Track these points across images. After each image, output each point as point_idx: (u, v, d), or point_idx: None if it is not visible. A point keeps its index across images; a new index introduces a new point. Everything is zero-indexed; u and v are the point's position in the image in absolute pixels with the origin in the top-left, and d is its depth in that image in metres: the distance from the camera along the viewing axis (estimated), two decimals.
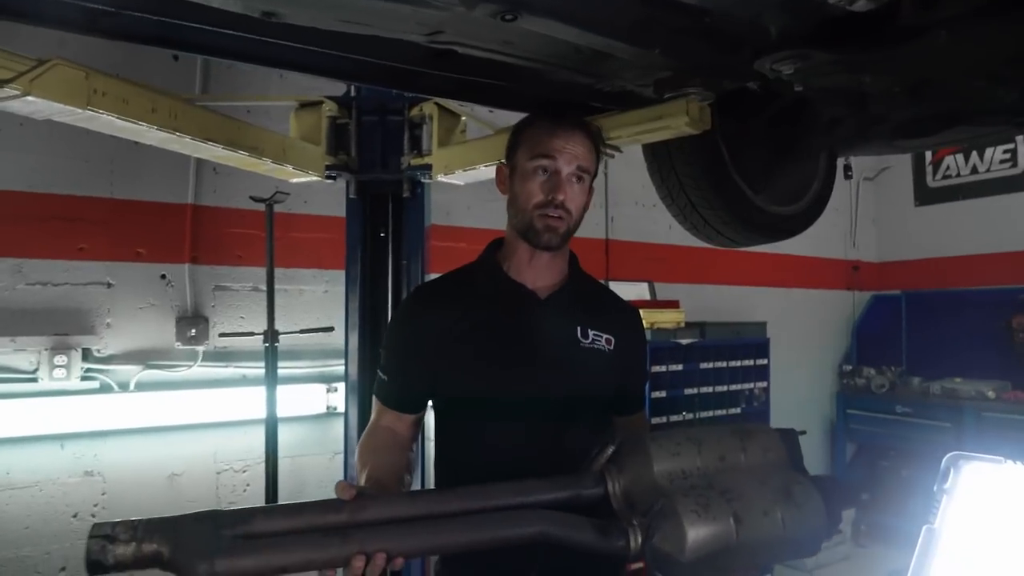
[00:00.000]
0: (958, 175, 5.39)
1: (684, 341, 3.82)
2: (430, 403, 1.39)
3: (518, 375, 1.28)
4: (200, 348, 2.74)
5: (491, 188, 3.48)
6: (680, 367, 3.79)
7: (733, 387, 4.05)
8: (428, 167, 2.20)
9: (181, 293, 2.75)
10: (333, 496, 0.99)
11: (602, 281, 4.03)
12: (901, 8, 1.39)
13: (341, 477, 3.00)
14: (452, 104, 2.20)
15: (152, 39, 1.39)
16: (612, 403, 1.40)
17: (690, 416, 3.82)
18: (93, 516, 2.50)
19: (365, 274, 2.34)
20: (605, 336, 1.35)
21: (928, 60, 1.57)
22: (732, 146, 2.07)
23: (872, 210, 5.84)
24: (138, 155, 2.64)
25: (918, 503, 4.62)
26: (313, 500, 0.99)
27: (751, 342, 4.19)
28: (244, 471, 2.82)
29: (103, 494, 2.55)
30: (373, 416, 1.37)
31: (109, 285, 2.62)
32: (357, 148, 2.28)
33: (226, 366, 2.81)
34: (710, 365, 3.94)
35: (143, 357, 2.65)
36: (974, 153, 5.28)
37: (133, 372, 2.61)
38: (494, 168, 2.05)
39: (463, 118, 2.25)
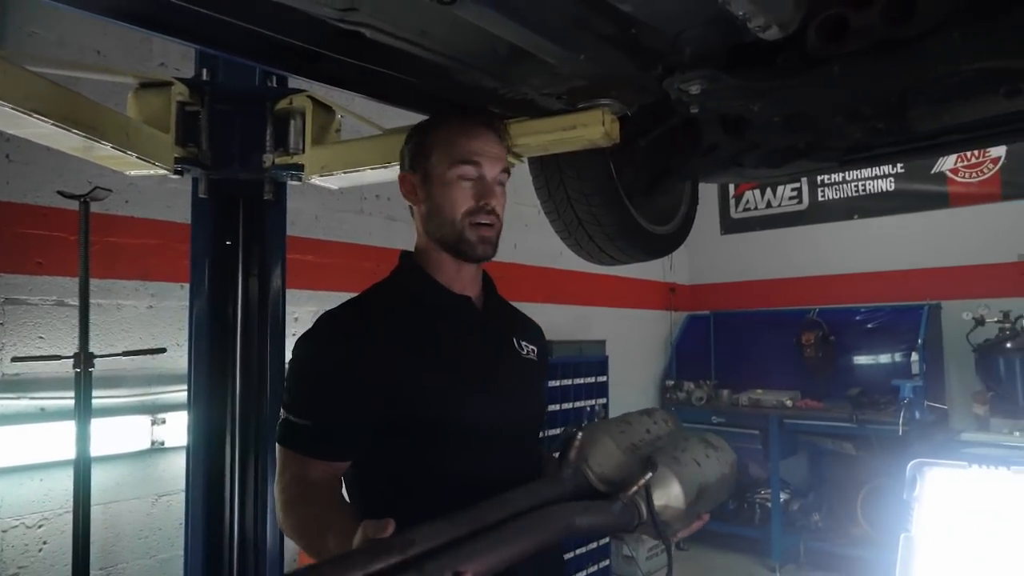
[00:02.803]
0: (756, 208, 6.06)
1: None
2: None
3: (479, 390, 1.19)
4: None
5: (341, 197, 3.27)
6: None
7: (577, 404, 4.15)
8: (299, 167, 1.96)
9: None
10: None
11: None
12: (807, 40, 1.48)
13: (165, 523, 2.57)
14: (328, 98, 1.98)
15: None
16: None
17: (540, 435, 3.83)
18: None
19: (215, 286, 2.02)
20: (531, 347, 1.33)
21: (814, 92, 1.68)
22: (619, 164, 2.09)
23: None
24: None
25: (729, 506, 5.04)
26: (349, 551, 0.84)
27: (592, 360, 4.33)
28: (40, 526, 2.30)
29: None
30: (288, 475, 1.10)
31: None
32: (209, 140, 1.97)
33: (18, 398, 2.28)
34: (556, 383, 3.99)
35: None
36: (768, 189, 5.98)
37: None
38: (379, 171, 1.90)
39: (339, 115, 2.04)
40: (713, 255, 6.23)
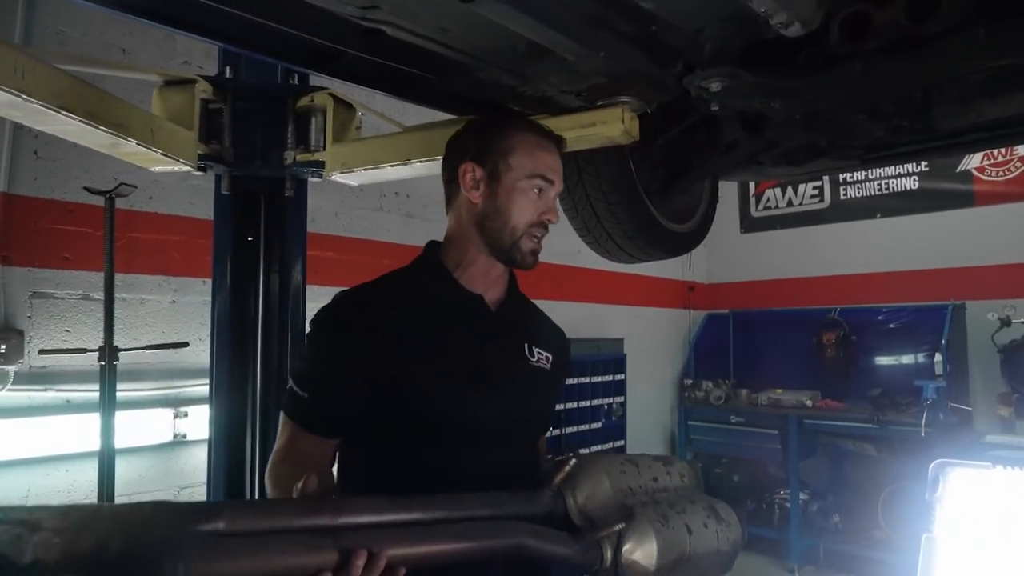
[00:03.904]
0: (776, 207, 6.01)
1: None
2: None
3: (477, 391, 1.19)
4: (11, 368, 2.25)
5: (360, 195, 3.29)
6: None
7: (594, 402, 4.15)
8: (319, 164, 1.98)
9: None
10: None
11: None
12: (829, 36, 1.47)
13: None
14: (349, 96, 2.00)
15: None
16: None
17: (556, 432, 3.84)
18: None
19: (236, 282, 2.05)
20: (545, 354, 1.32)
21: (835, 90, 1.67)
22: (638, 161, 2.08)
23: None
24: None
25: (748, 506, 5.01)
26: (279, 500, 0.88)
27: (610, 357, 4.33)
28: None
29: None
30: (283, 439, 1.17)
31: None
32: (232, 138, 1.99)
33: (45, 390, 2.33)
34: (574, 381, 3.99)
35: None
36: (790, 188, 5.93)
37: None
38: (399, 169, 1.91)
39: (359, 113, 2.05)
40: (733, 254, 6.18)
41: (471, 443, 1.17)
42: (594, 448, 4.10)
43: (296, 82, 2.05)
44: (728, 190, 6.05)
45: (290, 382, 1.19)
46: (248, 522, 0.78)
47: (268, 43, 1.43)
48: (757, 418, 5.00)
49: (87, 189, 2.20)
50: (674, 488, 1.13)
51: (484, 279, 1.27)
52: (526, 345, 1.29)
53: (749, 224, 6.15)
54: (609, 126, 1.57)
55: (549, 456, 1.35)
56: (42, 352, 2.28)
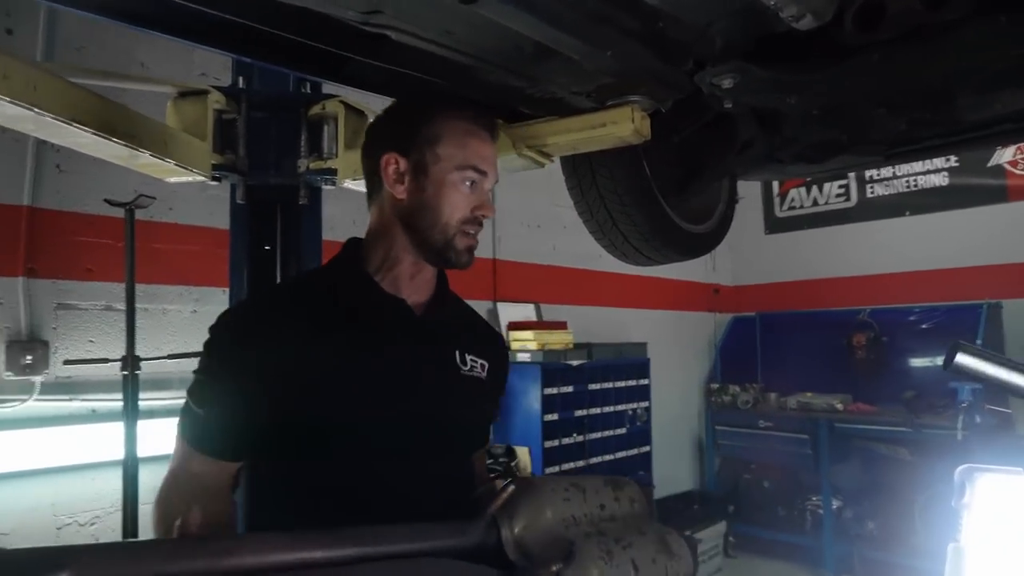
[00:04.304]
0: (801, 207, 5.91)
1: (574, 362, 3.80)
2: None
3: (398, 404, 1.08)
4: (37, 378, 2.30)
5: None
6: (571, 389, 3.77)
7: (618, 407, 4.10)
8: (332, 172, 1.98)
9: (13, 312, 2.29)
10: None
11: (490, 304, 3.99)
12: (843, 27, 1.43)
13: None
14: (361, 103, 2.00)
15: None
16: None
17: (580, 438, 3.80)
18: None
19: (254, 291, 2.06)
20: (480, 362, 1.21)
21: (852, 83, 1.62)
22: (652, 162, 2.05)
23: (727, 237, 6.24)
24: None
25: (779, 513, 4.91)
26: (147, 541, 0.78)
27: (634, 362, 4.28)
28: (92, 524, 2.38)
29: None
30: (175, 462, 1.05)
31: None
32: (246, 147, 2.01)
33: (70, 399, 2.37)
34: (597, 386, 3.95)
35: None
36: (815, 187, 5.82)
37: None
38: None
39: (371, 119, 2.05)
40: (758, 255, 6.08)
41: (393, 462, 1.06)
42: (619, 454, 4.05)
43: (308, 90, 2.06)
44: (751, 190, 5.96)
45: (186, 397, 1.06)
46: (103, 570, 0.68)
47: (273, 51, 1.44)
48: (786, 422, 4.90)
49: (108, 201, 2.24)
50: (623, 516, 1.02)
51: (409, 282, 1.15)
52: (457, 353, 1.18)
53: (774, 225, 6.06)
54: (619, 126, 1.55)
55: (493, 476, 1.25)
56: (66, 362, 2.32)
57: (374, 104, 1.97)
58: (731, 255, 6.18)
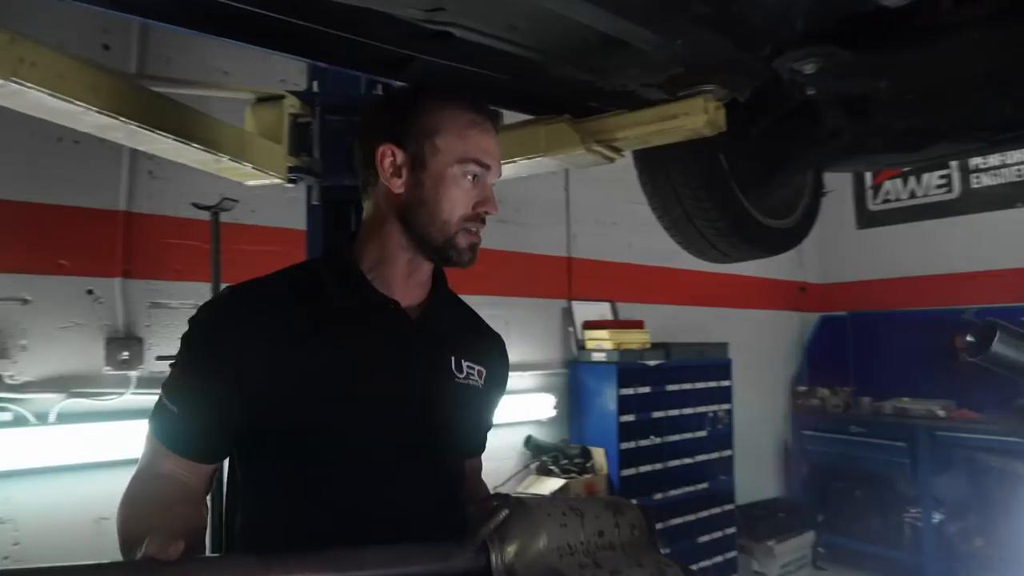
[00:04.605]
0: (897, 199, 5.55)
1: (651, 362, 3.71)
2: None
3: (383, 413, 1.02)
4: (133, 373, 2.43)
5: None
6: (648, 389, 3.68)
7: (698, 409, 3.98)
8: None
9: (111, 311, 2.43)
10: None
11: (565, 302, 3.96)
12: (939, 3, 1.32)
13: None
14: None
15: None
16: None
17: (658, 440, 3.71)
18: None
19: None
20: (478, 368, 1.14)
21: (950, 63, 1.50)
22: (728, 155, 1.97)
23: (815, 232, 5.94)
24: (61, 154, 2.36)
25: (872, 524, 4.64)
26: (116, 561, 0.72)
27: (714, 363, 4.14)
28: None
29: (15, 544, 2.20)
30: (144, 461, 0.99)
31: (25, 301, 2.29)
32: (321, 150, 2.06)
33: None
34: (676, 387, 3.85)
35: (66, 384, 2.32)
36: (911, 177, 5.46)
37: (54, 401, 2.28)
38: None
39: None
40: (849, 251, 5.76)
41: (378, 469, 1.00)
42: (699, 458, 3.92)
43: (380, 91, 2.09)
44: (841, 182, 5.65)
45: (160, 392, 1.01)
46: None
47: (339, 53, 1.46)
48: (881, 429, 4.62)
49: (195, 205, 2.34)
50: (621, 544, 0.95)
51: (404, 282, 1.08)
52: (452, 359, 1.11)
53: (867, 219, 5.72)
54: (691, 118, 1.48)
55: (495, 492, 1.12)
56: (159, 359, 2.45)
57: None
58: (819, 251, 5.89)
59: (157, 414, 1.00)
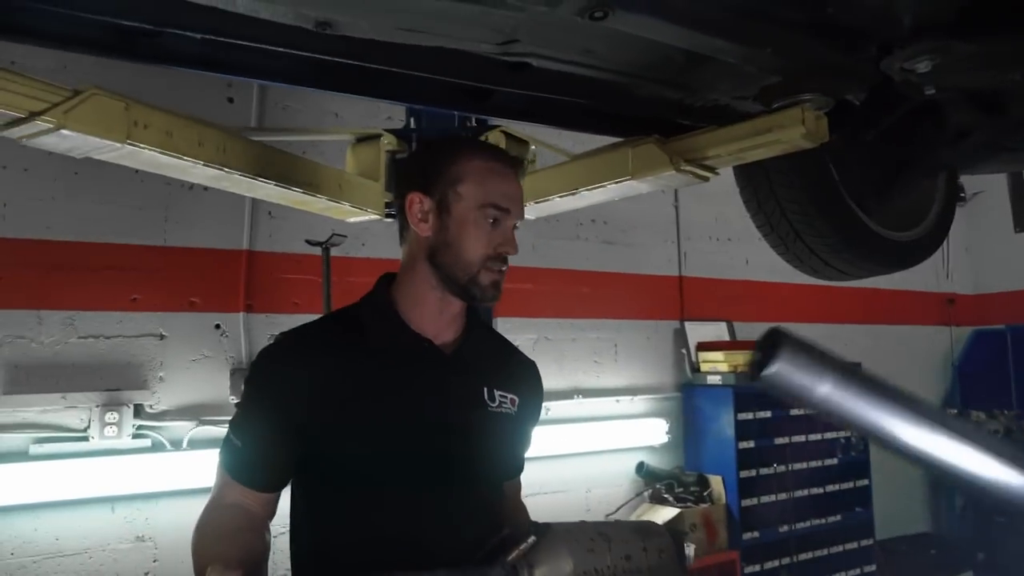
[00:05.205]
0: None
1: None
2: None
3: (422, 444, 1.11)
4: None
5: (556, 225, 3.31)
6: (768, 414, 3.46)
7: (827, 435, 3.69)
8: None
9: (236, 343, 2.62)
10: None
11: (677, 323, 3.82)
12: None
13: None
14: (521, 131, 2.01)
15: (196, 60, 1.25)
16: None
17: (782, 468, 3.48)
18: None
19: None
20: (510, 396, 1.22)
21: None
22: (840, 164, 1.82)
23: (965, 238, 5.39)
24: (192, 201, 2.57)
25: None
26: None
27: None
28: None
29: (154, 561, 2.39)
30: (215, 492, 1.11)
31: (162, 337, 2.51)
32: None
33: None
34: (800, 412, 3.59)
35: (196, 412, 2.52)
36: None
37: (186, 429, 2.48)
38: (567, 199, 1.87)
39: (532, 147, 2.06)
40: (1006, 257, 5.16)
41: (419, 498, 1.09)
42: (829, 488, 3.63)
43: (473, 123, 2.12)
44: (994, 181, 5.10)
45: (227, 429, 1.14)
46: None
47: (424, 92, 1.49)
48: None
49: (308, 241, 2.47)
50: (649, 568, 0.99)
51: (436, 319, 1.17)
52: (485, 389, 1.18)
53: None
54: (787, 130, 1.38)
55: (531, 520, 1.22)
56: None
57: (539, 133, 1.97)
58: (970, 259, 5.34)
59: (225, 448, 1.11)
